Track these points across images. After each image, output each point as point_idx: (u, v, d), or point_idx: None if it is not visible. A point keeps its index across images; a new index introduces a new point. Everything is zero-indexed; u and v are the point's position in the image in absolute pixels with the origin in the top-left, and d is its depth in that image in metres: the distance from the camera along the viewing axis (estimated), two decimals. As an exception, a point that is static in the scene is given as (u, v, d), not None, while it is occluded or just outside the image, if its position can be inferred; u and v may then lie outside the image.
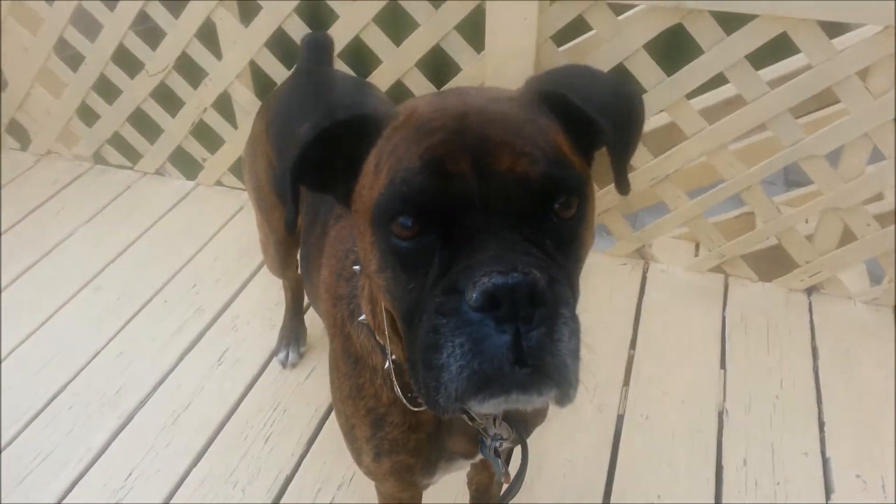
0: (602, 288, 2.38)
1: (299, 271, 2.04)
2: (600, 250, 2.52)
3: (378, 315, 0.97)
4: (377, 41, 2.36)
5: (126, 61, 2.75)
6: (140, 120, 2.90)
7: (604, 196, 2.35)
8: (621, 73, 2.09)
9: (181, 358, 2.17)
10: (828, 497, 1.74)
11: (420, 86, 2.39)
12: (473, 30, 2.25)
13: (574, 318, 0.74)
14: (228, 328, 2.28)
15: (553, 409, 1.20)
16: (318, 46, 1.81)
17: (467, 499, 1.67)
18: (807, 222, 2.33)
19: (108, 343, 2.22)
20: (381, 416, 1.07)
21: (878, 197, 2.32)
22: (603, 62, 2.10)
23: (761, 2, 1.89)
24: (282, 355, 2.12)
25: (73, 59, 2.81)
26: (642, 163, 2.26)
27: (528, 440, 1.09)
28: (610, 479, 1.79)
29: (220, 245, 2.65)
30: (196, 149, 2.89)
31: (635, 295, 2.36)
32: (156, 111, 2.83)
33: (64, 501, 1.77)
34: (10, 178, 3.05)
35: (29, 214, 2.83)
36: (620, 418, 1.94)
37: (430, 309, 0.73)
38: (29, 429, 1.95)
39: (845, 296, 2.32)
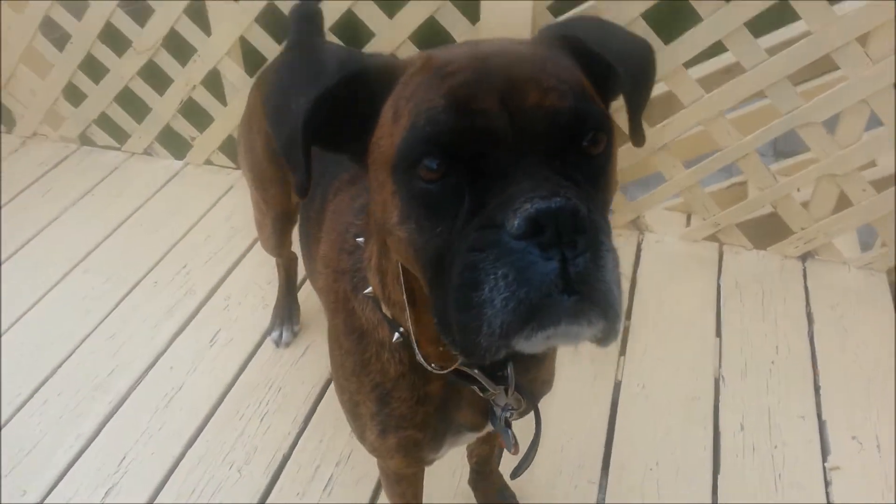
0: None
1: (294, 249, 2.03)
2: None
3: (388, 285, 0.95)
4: (370, 14, 2.32)
5: (113, 39, 2.70)
6: (127, 99, 2.86)
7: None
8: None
9: (173, 339, 2.15)
10: (824, 459, 1.74)
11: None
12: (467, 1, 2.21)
13: (614, 249, 0.72)
14: (220, 308, 2.26)
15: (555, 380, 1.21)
16: (307, 17, 1.76)
17: (466, 473, 1.66)
18: (798, 190, 2.31)
19: (97, 326, 2.20)
20: (387, 391, 1.05)
21: (873, 164, 2.30)
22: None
23: (755, -36, 1.86)
24: (275, 334, 2.10)
25: (61, 41, 2.76)
26: (636, 132, 2.22)
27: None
28: (608, 448, 1.79)
29: (210, 225, 2.62)
30: (185, 127, 2.85)
31: (630, 265, 2.35)
32: (143, 90, 2.79)
33: (56, 488, 1.75)
34: (-4, 161, 3.00)
35: (15, 197, 2.79)
36: (617, 388, 1.94)
37: (464, 248, 0.70)
38: (18, 416, 1.93)
39: (840, 261, 2.31)
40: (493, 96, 0.71)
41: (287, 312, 2.12)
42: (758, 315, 2.13)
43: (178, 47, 2.63)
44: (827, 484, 1.68)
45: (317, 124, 0.79)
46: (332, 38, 2.32)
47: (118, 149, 3.03)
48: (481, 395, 1.01)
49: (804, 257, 2.34)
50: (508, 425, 1.05)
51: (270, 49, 2.49)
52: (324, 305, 1.23)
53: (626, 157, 2.24)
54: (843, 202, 2.23)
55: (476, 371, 0.97)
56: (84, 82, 2.85)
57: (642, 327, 2.11)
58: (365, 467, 1.75)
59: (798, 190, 2.32)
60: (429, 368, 0.98)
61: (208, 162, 2.92)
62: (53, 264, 2.44)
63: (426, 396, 1.05)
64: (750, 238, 2.39)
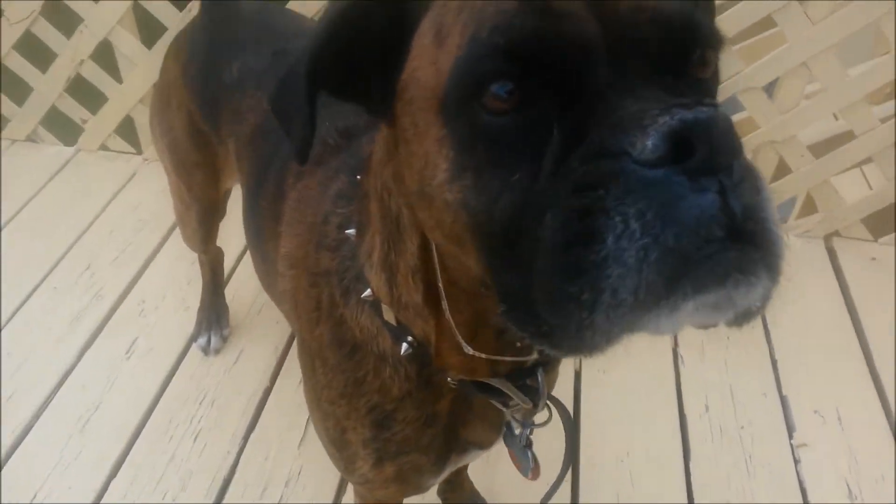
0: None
1: (220, 243, 1.81)
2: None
3: (400, 284, 0.78)
4: None
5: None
6: (4, 78, 2.50)
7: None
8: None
9: (82, 352, 1.89)
10: (790, 436, 1.72)
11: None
12: None
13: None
14: (135, 314, 2.01)
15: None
16: None
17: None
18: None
19: (-10, 343, 1.91)
20: (387, 413, 0.89)
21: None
22: None
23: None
24: (202, 340, 1.88)
25: None
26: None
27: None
28: (575, 442, 1.70)
29: (113, 218, 2.34)
30: (74, 109, 2.53)
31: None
32: (22, 67, 2.44)
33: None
34: None
35: None
36: (578, 376, 1.85)
37: (563, 194, 0.52)
38: None
39: (787, 230, 2.31)
40: None
41: (214, 315, 1.90)
42: (709, 289, 2.10)
43: (61, 16, 2.31)
44: (796, 462, 1.66)
45: (327, 60, 0.62)
46: None
47: (-5, 135, 2.66)
48: (503, 409, 0.87)
49: (747, 227, 2.32)
50: (529, 445, 0.92)
51: (170, 16, 2.23)
52: (289, 314, 1.05)
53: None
54: (781, 169, 2.22)
55: (505, 381, 0.82)
56: (-56, 60, 2.48)
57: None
58: (319, 485, 1.59)
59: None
60: (448, 381, 0.84)
61: (104, 147, 2.61)
62: (-73, 273, 2.11)
63: (435, 415, 0.90)
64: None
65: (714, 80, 0.62)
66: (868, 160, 2.17)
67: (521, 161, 0.55)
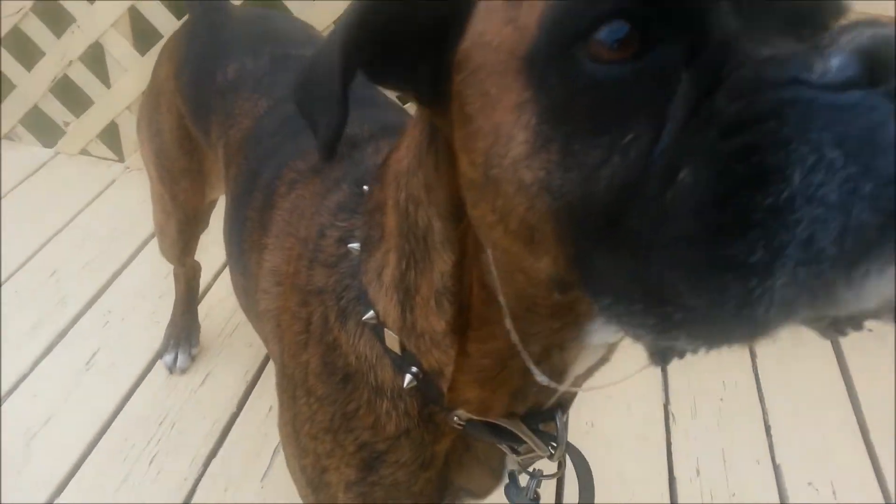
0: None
1: (198, 257, 1.71)
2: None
3: (417, 307, 0.68)
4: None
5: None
6: (-15, 72, 2.42)
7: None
8: None
9: (38, 361, 1.76)
10: (783, 506, 1.64)
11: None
12: None
13: None
14: (100, 324, 1.89)
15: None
16: None
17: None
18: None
19: (-61, 343, 1.77)
20: (378, 453, 0.78)
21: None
22: None
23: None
24: (169, 358, 1.76)
25: None
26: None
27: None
28: (559, 496, 1.60)
29: (87, 224, 2.23)
30: (57, 110, 2.44)
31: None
32: (7, 63, 2.35)
33: None
34: None
35: None
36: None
37: (709, 140, 0.41)
38: None
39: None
40: None
41: (185, 332, 1.79)
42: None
43: (53, 14, 2.23)
44: (789, 532, 1.58)
45: (366, 34, 0.53)
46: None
47: (-29, 130, 2.56)
48: (513, 455, 0.78)
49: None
50: (536, 499, 0.82)
51: (166, 23, 2.16)
52: (269, 336, 0.95)
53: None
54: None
55: (519, 424, 0.73)
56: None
57: (585, 357, 1.95)
58: (281, 523, 1.47)
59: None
60: (454, 422, 0.74)
61: (84, 152, 2.52)
62: None
63: (432, 458, 0.80)
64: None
65: None
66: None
67: (638, 118, 0.45)
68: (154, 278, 2.00)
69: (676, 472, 1.68)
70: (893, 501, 1.65)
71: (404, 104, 1.35)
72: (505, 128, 0.50)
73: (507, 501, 0.89)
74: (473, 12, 0.53)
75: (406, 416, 0.76)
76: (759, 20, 0.45)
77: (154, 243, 1.68)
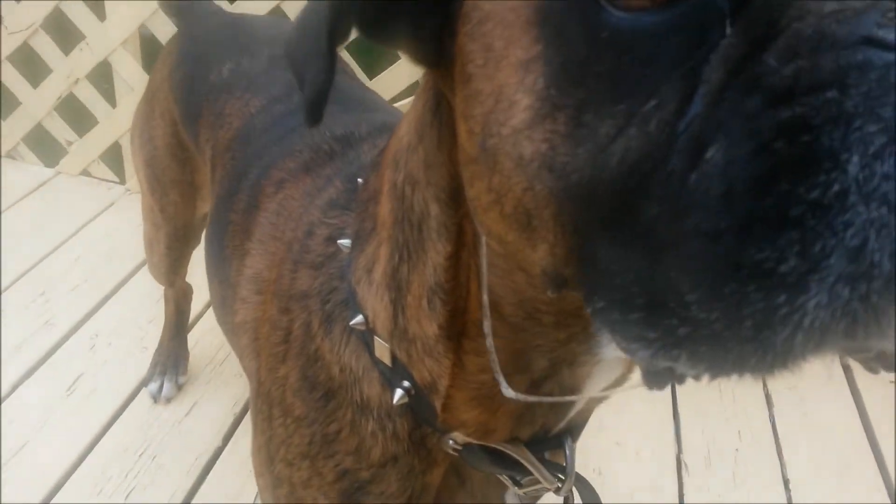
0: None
1: (190, 279, 1.64)
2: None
3: (410, 308, 0.60)
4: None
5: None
6: (-10, 90, 2.39)
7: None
8: None
9: (18, 384, 1.68)
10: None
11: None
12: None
13: None
14: (85, 348, 1.80)
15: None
16: None
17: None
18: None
19: (-84, 361, 1.70)
20: (361, 482, 0.69)
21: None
22: None
23: None
24: (154, 386, 1.68)
25: None
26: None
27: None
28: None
29: (81, 246, 2.16)
30: (61, 129, 2.40)
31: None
32: (13, 78, 2.32)
33: None
34: None
35: None
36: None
37: (750, 109, 0.32)
38: None
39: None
40: None
41: (172, 359, 1.70)
42: (714, 394, 1.93)
43: (62, 30, 2.21)
44: None
45: None
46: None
47: (-29, 148, 2.52)
48: (516, 489, 0.68)
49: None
50: None
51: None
52: (245, 351, 0.87)
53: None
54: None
55: (524, 450, 0.64)
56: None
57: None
58: (262, 567, 1.36)
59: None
60: (449, 447, 0.65)
61: (85, 173, 2.47)
62: None
63: (422, 491, 0.70)
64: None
65: None
66: None
67: (667, 81, 0.36)
68: (145, 304, 1.93)
69: (689, 529, 1.57)
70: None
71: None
72: (507, 90, 0.42)
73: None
74: None
75: (394, 440, 0.66)
76: None
77: (147, 268, 1.61)
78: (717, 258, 0.33)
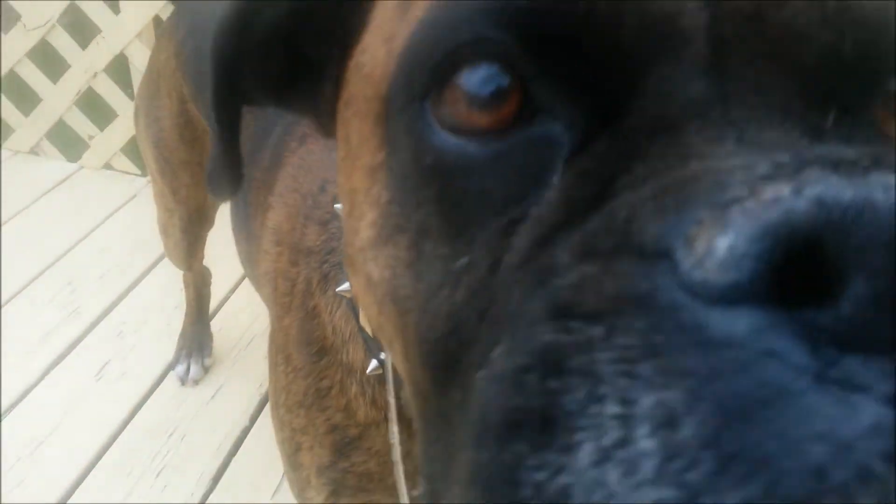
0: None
1: (207, 262, 1.66)
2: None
3: None
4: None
5: (-3, 9, 2.28)
6: (13, 86, 2.41)
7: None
8: None
9: (48, 370, 1.72)
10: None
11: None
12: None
13: None
14: (113, 335, 1.84)
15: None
16: None
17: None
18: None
19: (-50, 351, 1.74)
20: (351, 438, 0.71)
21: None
22: None
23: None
24: (181, 368, 1.70)
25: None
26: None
27: None
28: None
29: (105, 237, 2.20)
30: (82, 124, 2.43)
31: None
32: (33, 75, 2.36)
33: None
34: None
35: None
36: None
37: (537, 306, 0.27)
38: None
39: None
40: None
41: (197, 342, 1.73)
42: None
43: (79, 25, 2.24)
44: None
45: (247, 50, 0.43)
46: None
47: (-3, 145, 2.56)
48: None
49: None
50: None
51: (193, 36, 2.15)
52: (267, 298, 0.89)
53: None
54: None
55: None
56: (-45, 62, 2.40)
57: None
58: (291, 541, 1.38)
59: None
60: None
61: (108, 166, 2.50)
62: None
63: (408, 454, 0.71)
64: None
65: None
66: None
67: (489, 224, 0.31)
68: (170, 290, 1.96)
69: None
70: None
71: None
72: (358, 197, 0.38)
73: None
74: (374, 13, 0.40)
75: (373, 407, 0.68)
76: (749, 94, 0.29)
77: (171, 256, 1.64)
78: (479, 456, 0.27)
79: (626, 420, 0.22)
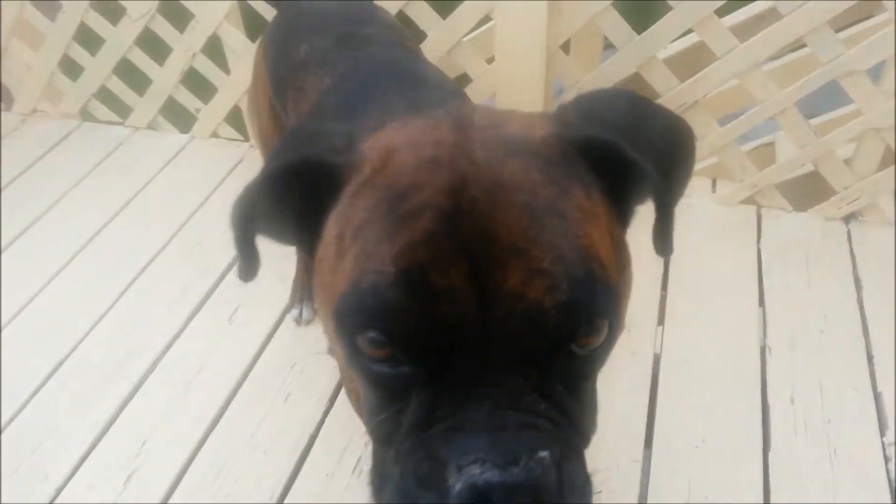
0: (628, 226, 2.25)
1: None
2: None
3: None
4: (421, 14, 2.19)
5: (106, 6, 2.56)
6: (127, 71, 2.72)
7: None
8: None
9: (189, 320, 2.05)
10: (882, 433, 1.64)
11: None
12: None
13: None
14: (237, 284, 2.14)
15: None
16: None
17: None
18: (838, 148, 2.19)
19: (109, 309, 2.10)
20: None
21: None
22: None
23: None
24: (295, 311, 2.00)
25: (51, 9, 2.63)
26: (667, 89, 2.10)
27: None
28: (650, 426, 1.70)
29: (222, 199, 2.50)
30: (188, 99, 2.72)
31: (663, 231, 2.23)
32: (142, 60, 2.65)
33: (77, 473, 1.67)
34: (-5, 140, 2.88)
35: (17, 178, 2.67)
36: (657, 361, 1.84)
37: (404, 465, 0.59)
38: (30, 405, 1.84)
39: (886, 222, 2.19)
40: (461, 269, 0.55)
41: (306, 288, 2.01)
42: (803, 282, 2.02)
43: (175, 13, 2.50)
44: (886, 460, 1.59)
45: (268, 204, 0.72)
46: None
47: (121, 124, 2.90)
48: None
49: (848, 219, 2.22)
50: None
51: (271, 12, 2.35)
52: None
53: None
54: (888, 158, 2.11)
55: None
56: (80, 54, 2.71)
57: (680, 298, 2.00)
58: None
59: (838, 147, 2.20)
60: None
61: (214, 135, 2.80)
62: (61, 245, 2.34)
63: None
64: (789, 200, 2.27)
65: (606, 343, 0.62)
66: None
67: (389, 402, 0.61)
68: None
69: (770, 401, 1.72)
70: None
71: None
72: (334, 343, 0.67)
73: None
74: (324, 232, 0.67)
75: None
76: (492, 362, 0.57)
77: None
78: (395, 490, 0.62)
79: None
